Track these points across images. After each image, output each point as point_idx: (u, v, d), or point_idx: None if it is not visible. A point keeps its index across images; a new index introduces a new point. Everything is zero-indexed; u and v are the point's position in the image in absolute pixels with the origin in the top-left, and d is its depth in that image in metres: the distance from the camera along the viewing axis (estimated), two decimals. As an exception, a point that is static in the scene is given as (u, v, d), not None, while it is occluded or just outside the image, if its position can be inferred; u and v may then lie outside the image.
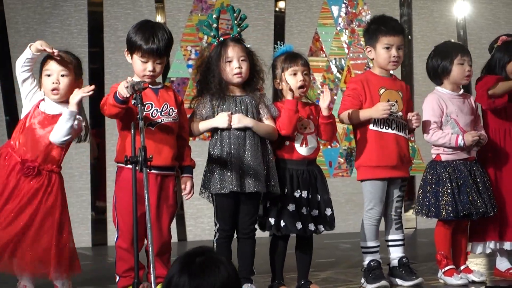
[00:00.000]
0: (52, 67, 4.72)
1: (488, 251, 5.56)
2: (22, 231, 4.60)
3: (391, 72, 5.50)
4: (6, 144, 4.81)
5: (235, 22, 5.04)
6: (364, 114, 5.25)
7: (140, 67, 4.80)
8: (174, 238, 8.09)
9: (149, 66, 4.79)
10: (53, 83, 4.70)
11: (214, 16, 5.01)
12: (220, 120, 4.88)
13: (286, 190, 5.00)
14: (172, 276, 2.52)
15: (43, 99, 4.75)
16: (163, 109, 4.82)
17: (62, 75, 4.73)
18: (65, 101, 4.73)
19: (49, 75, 4.72)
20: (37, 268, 4.63)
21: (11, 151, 4.69)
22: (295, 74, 5.10)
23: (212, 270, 2.50)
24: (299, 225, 4.97)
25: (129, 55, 4.87)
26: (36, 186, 4.66)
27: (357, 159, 5.39)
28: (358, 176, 5.39)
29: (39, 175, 4.67)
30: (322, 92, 5.10)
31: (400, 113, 5.33)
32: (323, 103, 5.04)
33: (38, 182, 4.66)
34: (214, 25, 5.00)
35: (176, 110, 4.87)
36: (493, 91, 5.41)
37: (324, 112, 5.08)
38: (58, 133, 4.66)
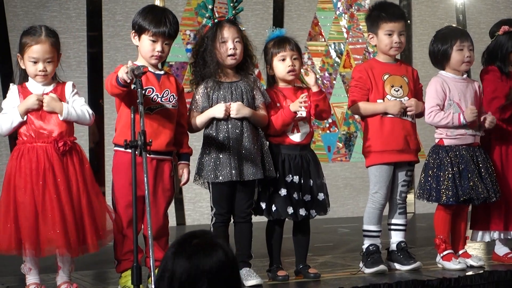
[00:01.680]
0: (38, 54, 4.64)
1: (488, 239, 5.55)
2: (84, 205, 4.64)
3: (397, 57, 5.50)
4: (18, 145, 4.69)
5: (231, 4, 5.03)
6: (378, 107, 5.26)
7: (149, 47, 4.80)
8: (173, 222, 8.11)
9: (158, 46, 4.80)
10: (41, 71, 4.65)
11: (210, -4, 5.00)
12: (217, 110, 4.85)
13: (277, 175, 5.00)
14: (169, 259, 2.51)
15: (22, 85, 4.71)
16: (164, 95, 4.82)
17: (49, 62, 4.67)
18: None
19: (35, 62, 4.65)
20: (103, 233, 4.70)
21: (29, 145, 4.63)
22: (283, 59, 5.09)
23: (209, 252, 2.48)
24: (290, 210, 4.96)
25: (136, 37, 4.86)
26: (75, 161, 4.66)
27: (364, 146, 5.39)
28: (366, 163, 5.39)
29: (72, 150, 4.67)
30: (305, 71, 5.06)
31: (406, 98, 5.32)
32: (310, 79, 5.02)
33: (75, 156, 4.67)
34: (210, 6, 4.98)
35: (176, 97, 4.87)
36: (504, 104, 5.44)
37: (314, 89, 5.05)
38: (82, 120, 4.72)
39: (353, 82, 5.40)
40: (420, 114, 5.42)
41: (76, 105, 4.72)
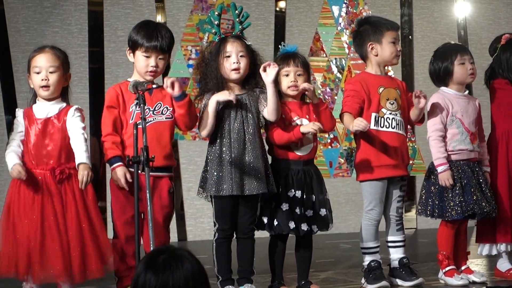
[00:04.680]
0: (41, 63, 4.66)
1: (495, 252, 5.53)
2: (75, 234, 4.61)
3: (386, 70, 5.50)
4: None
5: (237, 19, 5.03)
6: (346, 122, 5.22)
7: (143, 63, 4.81)
8: (174, 238, 8.09)
9: (152, 61, 4.81)
10: (42, 80, 4.65)
11: (216, 13, 5.00)
12: (220, 94, 4.82)
13: (280, 190, 4.99)
14: (139, 275, 2.61)
15: (29, 108, 4.71)
16: (156, 108, 4.83)
17: (51, 72, 4.68)
18: (55, 97, 4.72)
19: (38, 72, 4.67)
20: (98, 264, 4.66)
21: (28, 170, 4.60)
22: (287, 75, 5.10)
23: (175, 266, 2.59)
24: (292, 225, 4.95)
25: (131, 54, 4.88)
26: (75, 187, 4.64)
27: (356, 159, 5.37)
28: (357, 177, 5.37)
29: (72, 177, 4.65)
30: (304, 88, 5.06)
31: (400, 111, 5.32)
32: (309, 93, 5.03)
33: (74, 183, 4.65)
34: (216, 22, 4.98)
35: (171, 109, 4.86)
36: None
37: (314, 100, 5.05)
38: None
39: (346, 93, 5.36)
40: (421, 119, 5.41)
41: (75, 132, 4.66)
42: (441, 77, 5.48)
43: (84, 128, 4.71)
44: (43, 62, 4.67)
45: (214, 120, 4.86)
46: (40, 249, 4.53)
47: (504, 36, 5.61)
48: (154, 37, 4.80)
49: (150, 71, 4.82)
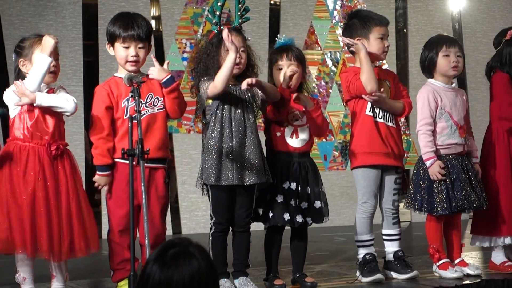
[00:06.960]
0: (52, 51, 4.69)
1: (496, 244, 5.51)
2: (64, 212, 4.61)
3: (377, 63, 5.50)
4: (9, 142, 4.71)
5: (238, 13, 5.01)
6: (363, 64, 5.15)
7: (123, 53, 4.80)
8: (169, 231, 8.10)
9: (132, 51, 4.78)
10: (53, 65, 4.67)
11: (219, 3, 4.97)
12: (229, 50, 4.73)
13: (275, 181, 4.99)
14: (148, 263, 2.61)
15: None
16: (148, 100, 4.82)
17: (56, 59, 4.73)
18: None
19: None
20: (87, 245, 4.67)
21: (21, 143, 4.64)
22: (281, 68, 5.10)
23: (182, 262, 2.58)
24: (286, 216, 4.95)
25: (111, 47, 4.87)
26: (66, 165, 4.67)
27: (350, 146, 5.37)
28: (351, 164, 5.36)
29: (64, 155, 4.67)
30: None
31: (389, 102, 5.33)
32: (293, 79, 5.02)
33: (65, 160, 4.67)
34: (218, 12, 4.95)
35: (162, 99, 4.85)
36: None
37: (308, 106, 5.05)
38: (60, 105, 4.65)
39: (350, 75, 5.29)
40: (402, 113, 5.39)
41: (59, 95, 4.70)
42: (426, 67, 5.50)
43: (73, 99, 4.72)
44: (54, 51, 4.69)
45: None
46: (30, 224, 4.52)
47: (510, 31, 5.61)
48: (130, 26, 4.77)
49: (131, 61, 4.80)
